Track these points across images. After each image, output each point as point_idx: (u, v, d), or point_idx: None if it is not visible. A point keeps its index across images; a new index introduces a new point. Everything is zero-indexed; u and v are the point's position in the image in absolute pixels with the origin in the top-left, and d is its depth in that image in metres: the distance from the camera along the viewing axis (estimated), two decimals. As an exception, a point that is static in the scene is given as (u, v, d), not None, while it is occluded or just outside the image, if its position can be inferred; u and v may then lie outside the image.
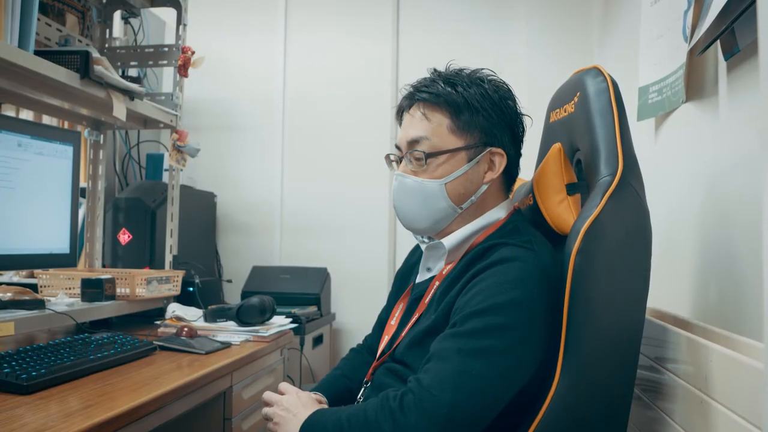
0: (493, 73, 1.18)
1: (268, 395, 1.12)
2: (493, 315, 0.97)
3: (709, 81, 1.17)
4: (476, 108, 1.11)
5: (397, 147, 1.19)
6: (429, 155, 1.11)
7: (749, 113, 1.00)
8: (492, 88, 1.14)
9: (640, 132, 1.41)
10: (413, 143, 1.13)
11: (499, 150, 1.13)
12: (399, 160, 1.19)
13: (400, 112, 1.21)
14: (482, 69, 1.18)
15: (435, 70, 1.19)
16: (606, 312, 1.00)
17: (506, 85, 1.17)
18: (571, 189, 1.13)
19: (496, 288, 0.99)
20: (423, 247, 1.21)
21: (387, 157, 1.23)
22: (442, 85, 1.13)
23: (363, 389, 1.18)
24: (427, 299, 1.14)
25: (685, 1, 1.21)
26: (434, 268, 1.19)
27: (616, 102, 1.05)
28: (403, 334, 1.14)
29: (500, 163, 1.14)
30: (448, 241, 1.14)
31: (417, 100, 1.15)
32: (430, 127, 1.12)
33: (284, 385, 1.15)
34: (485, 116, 1.12)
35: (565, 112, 1.19)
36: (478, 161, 1.13)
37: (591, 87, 1.09)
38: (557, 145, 1.17)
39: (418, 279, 1.22)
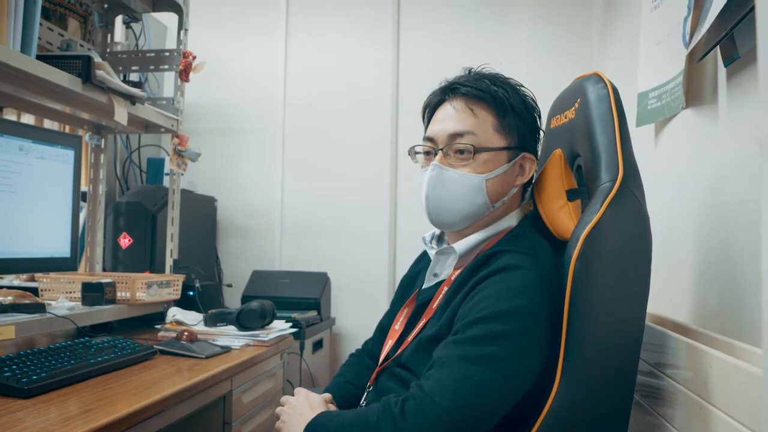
0: (521, 84, 1.20)
1: (283, 397, 1.16)
2: (495, 322, 0.97)
3: (709, 87, 1.18)
4: (518, 112, 1.13)
5: (430, 139, 1.16)
6: (478, 150, 1.11)
7: (749, 120, 1.00)
8: (526, 97, 1.17)
9: (640, 138, 1.41)
10: (456, 136, 1.12)
11: (531, 156, 1.16)
12: (430, 152, 1.17)
13: (432, 107, 1.20)
14: (510, 78, 1.19)
15: (471, 69, 1.20)
16: (606, 317, 1.00)
17: (533, 96, 1.20)
18: (571, 195, 1.13)
19: (499, 296, 1.00)
20: (431, 252, 1.21)
21: (411, 149, 1.20)
22: (488, 82, 1.14)
23: (366, 394, 1.18)
24: (434, 305, 1.13)
25: (685, 8, 1.22)
26: (441, 274, 1.18)
27: (616, 109, 1.06)
28: (409, 339, 1.14)
29: (530, 168, 1.17)
30: (460, 246, 1.14)
31: (460, 94, 1.14)
32: (476, 122, 1.12)
33: (297, 389, 1.18)
34: (524, 122, 1.15)
35: (565, 118, 1.19)
36: (513, 164, 1.14)
37: (591, 93, 1.10)
38: (558, 151, 1.17)
39: (425, 285, 1.21)
